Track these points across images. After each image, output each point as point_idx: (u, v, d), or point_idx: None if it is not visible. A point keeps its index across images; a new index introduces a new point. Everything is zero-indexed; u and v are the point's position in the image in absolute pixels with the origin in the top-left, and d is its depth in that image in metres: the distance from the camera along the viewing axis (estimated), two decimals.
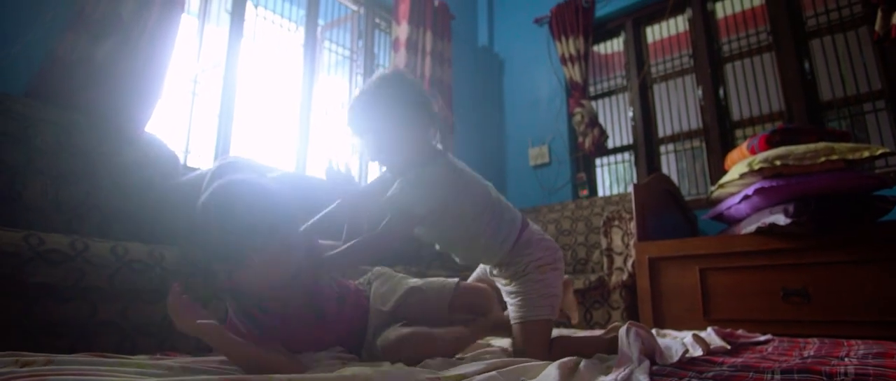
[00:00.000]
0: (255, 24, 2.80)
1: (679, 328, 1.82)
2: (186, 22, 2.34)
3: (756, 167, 1.97)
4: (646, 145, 3.43)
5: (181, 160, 2.04)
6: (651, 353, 0.89)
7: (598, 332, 1.40)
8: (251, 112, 2.74)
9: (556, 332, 1.27)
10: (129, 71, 1.92)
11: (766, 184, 1.94)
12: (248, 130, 2.71)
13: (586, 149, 3.41)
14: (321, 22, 3.17)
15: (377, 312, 1.15)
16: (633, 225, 2.37)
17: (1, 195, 1.42)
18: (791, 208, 1.85)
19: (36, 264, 1.12)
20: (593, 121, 3.39)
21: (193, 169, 2.13)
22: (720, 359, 1.00)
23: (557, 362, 0.71)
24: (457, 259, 1.29)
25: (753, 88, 3.08)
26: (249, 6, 2.72)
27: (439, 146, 1.22)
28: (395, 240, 1.10)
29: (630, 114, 3.54)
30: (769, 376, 0.77)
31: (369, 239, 1.10)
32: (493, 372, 0.65)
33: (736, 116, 3.16)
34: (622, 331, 0.89)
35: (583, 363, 0.73)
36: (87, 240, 1.24)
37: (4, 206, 1.43)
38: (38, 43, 1.81)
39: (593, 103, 3.56)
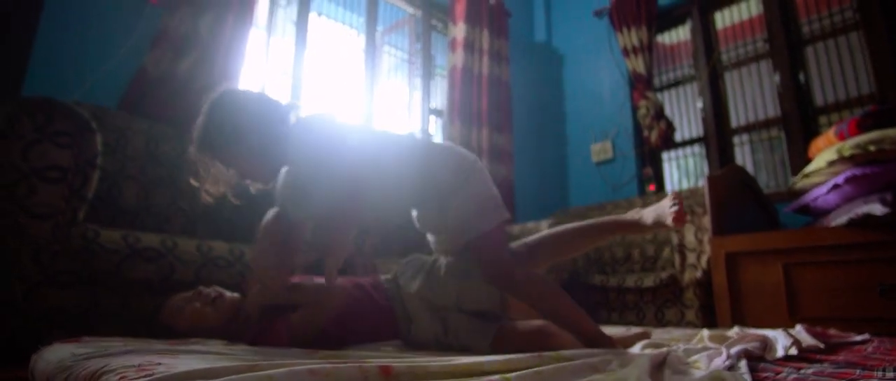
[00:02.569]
0: (319, 33, 2.90)
1: (761, 326, 1.71)
2: (255, 35, 2.47)
3: (847, 154, 1.82)
4: (718, 137, 3.25)
5: None
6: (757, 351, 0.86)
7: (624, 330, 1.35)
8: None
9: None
10: (207, 83, 2.04)
11: (858, 171, 1.79)
12: None
13: (652, 143, 3.28)
14: (380, 27, 3.24)
15: (417, 298, 1.16)
16: (706, 220, 2.25)
17: (101, 199, 1.55)
18: (889, 197, 1.69)
19: (134, 261, 1.22)
20: (659, 113, 3.26)
21: None
22: (817, 357, 0.93)
23: (649, 352, 0.68)
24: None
25: (838, 70, 2.86)
26: (313, 16, 2.82)
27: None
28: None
29: (699, 105, 3.37)
30: (880, 373, 0.71)
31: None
32: (593, 359, 0.64)
33: (819, 101, 2.93)
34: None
35: (671, 354, 0.70)
36: (176, 238, 1.33)
37: (105, 209, 1.56)
38: (128, 60, 1.96)
39: (659, 95, 3.42)
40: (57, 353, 0.81)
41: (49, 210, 1.16)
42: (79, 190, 1.22)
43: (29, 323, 1.14)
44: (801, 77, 2.97)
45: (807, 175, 2.11)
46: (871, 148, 1.77)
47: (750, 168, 3.15)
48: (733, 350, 0.83)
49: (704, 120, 3.33)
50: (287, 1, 2.78)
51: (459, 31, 3.28)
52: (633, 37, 3.40)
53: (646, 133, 3.32)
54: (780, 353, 0.92)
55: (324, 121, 1.10)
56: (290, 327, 1.01)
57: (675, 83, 3.58)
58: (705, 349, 0.91)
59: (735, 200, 2.31)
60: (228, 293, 1.16)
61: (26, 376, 0.86)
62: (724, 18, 3.38)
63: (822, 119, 2.91)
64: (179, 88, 1.98)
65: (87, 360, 0.70)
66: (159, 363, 0.64)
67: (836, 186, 1.90)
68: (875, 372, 0.73)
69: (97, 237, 1.20)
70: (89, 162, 1.25)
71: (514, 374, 0.59)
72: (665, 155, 3.51)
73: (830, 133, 2.06)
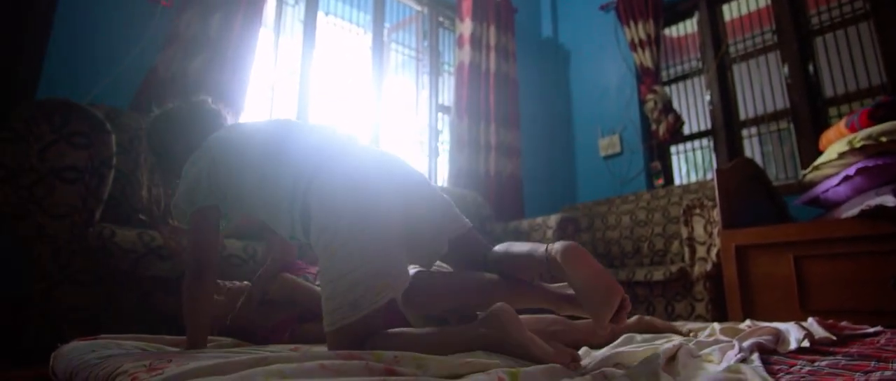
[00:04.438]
0: (326, 31, 2.91)
1: (772, 320, 1.71)
2: (263, 35, 2.48)
3: (858, 145, 1.81)
4: (726, 129, 3.24)
5: None
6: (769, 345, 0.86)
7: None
8: (325, 115, 2.86)
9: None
10: (217, 83, 2.06)
11: (870, 163, 1.78)
12: None
13: (660, 136, 3.27)
14: (387, 25, 3.24)
15: None
16: (716, 213, 2.25)
17: (115, 199, 1.57)
18: None
19: (149, 260, 1.24)
20: (667, 107, 3.25)
21: None
22: (831, 349, 0.93)
23: (662, 348, 0.69)
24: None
25: (848, 61, 2.83)
26: (320, 15, 2.83)
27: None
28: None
29: (707, 97, 3.35)
30: (895, 364, 0.71)
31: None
32: (603, 354, 0.65)
33: (828, 92, 2.91)
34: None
35: (683, 348, 0.71)
36: None
37: (119, 208, 1.58)
38: (140, 61, 1.98)
39: (666, 89, 3.41)
40: (76, 351, 0.83)
41: (66, 210, 1.18)
42: (95, 190, 1.24)
43: (49, 321, 1.16)
44: (811, 68, 2.95)
45: (817, 167, 2.10)
46: (883, 139, 1.75)
47: (759, 161, 3.13)
48: (746, 344, 0.83)
49: (713, 113, 3.32)
50: (295, 0, 2.79)
51: (466, 27, 3.28)
52: (640, 30, 3.39)
53: (654, 127, 3.31)
54: (792, 346, 0.92)
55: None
56: (298, 330, 1.04)
57: (683, 76, 3.57)
58: (717, 342, 0.92)
59: (744, 193, 2.30)
60: (239, 283, 1.19)
61: (47, 373, 0.88)
62: (731, 10, 3.35)
63: (832, 110, 2.89)
64: (190, 88, 1.99)
65: (106, 359, 0.71)
66: (170, 361, 0.65)
67: (847, 178, 1.89)
68: (890, 364, 0.73)
69: (113, 237, 1.22)
70: (105, 162, 1.27)
71: (522, 370, 0.60)
72: (673, 148, 3.50)
73: (841, 124, 2.04)
